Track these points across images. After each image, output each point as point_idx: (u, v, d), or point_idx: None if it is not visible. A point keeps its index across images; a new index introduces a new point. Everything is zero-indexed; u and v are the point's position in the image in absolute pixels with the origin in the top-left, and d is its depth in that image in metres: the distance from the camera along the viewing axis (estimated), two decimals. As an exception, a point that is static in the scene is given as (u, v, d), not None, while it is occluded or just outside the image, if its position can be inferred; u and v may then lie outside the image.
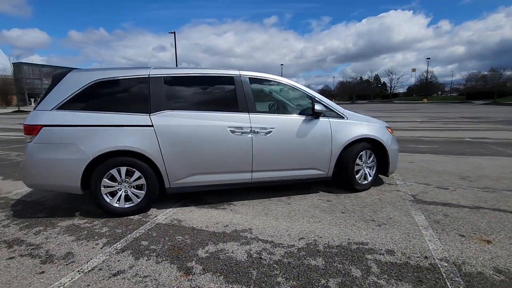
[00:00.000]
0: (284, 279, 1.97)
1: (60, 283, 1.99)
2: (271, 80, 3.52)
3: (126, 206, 3.06)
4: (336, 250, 2.32)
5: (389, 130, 3.89)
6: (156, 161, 3.01)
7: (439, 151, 6.40)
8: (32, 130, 2.84)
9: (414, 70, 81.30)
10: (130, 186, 3.05)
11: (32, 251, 2.43)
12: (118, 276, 2.05)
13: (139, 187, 3.08)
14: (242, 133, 3.19)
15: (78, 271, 2.13)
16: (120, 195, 3.04)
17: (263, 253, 2.30)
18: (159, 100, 3.08)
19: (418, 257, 2.19)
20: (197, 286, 1.93)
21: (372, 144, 3.69)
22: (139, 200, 3.08)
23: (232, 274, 2.04)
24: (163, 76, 3.14)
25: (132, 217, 3.06)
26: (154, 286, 1.94)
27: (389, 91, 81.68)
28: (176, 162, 3.07)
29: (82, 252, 2.40)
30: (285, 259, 2.21)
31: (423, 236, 2.51)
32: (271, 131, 3.28)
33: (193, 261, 2.21)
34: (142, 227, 2.81)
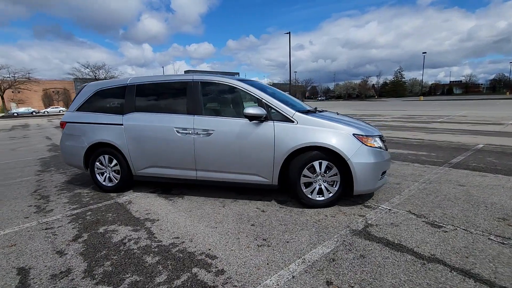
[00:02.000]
0: (110, 263, 2.26)
1: (23, 225, 3.06)
2: (222, 83, 3.56)
3: (109, 185, 4.02)
4: (181, 255, 2.33)
5: (363, 139, 3.06)
6: (124, 153, 3.79)
7: (550, 176, 4.13)
8: (62, 125, 4.22)
9: None
10: (112, 170, 3.98)
11: (42, 203, 3.73)
12: (45, 230, 2.92)
13: (118, 172, 3.96)
14: (186, 133, 3.47)
15: (38, 221, 3.16)
16: (105, 176, 4.02)
17: (132, 241, 2.61)
18: (130, 104, 3.82)
19: (235, 286, 1.91)
20: (64, 250, 2.51)
21: (331, 155, 3.07)
22: (116, 181, 3.97)
23: (90, 249, 2.50)
24: (136, 84, 3.86)
25: (111, 194, 3.99)
26: (50, 241, 2.68)
27: None
28: (136, 155, 3.74)
29: (57, 210, 3.47)
30: (135, 250, 2.45)
31: (284, 269, 2.07)
32: (211, 133, 3.38)
33: (88, 233, 2.81)
34: (104, 202, 3.67)
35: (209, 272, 2.09)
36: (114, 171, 3.96)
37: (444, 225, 2.68)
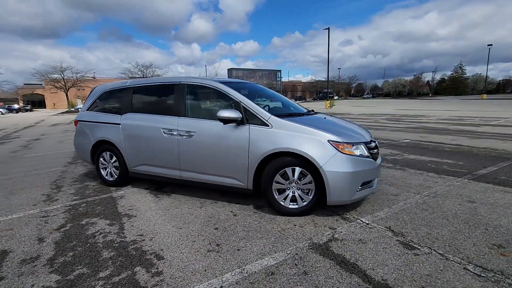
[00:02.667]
0: (72, 254, 2.46)
1: (28, 212, 3.48)
2: (205, 86, 3.59)
3: (110, 179, 4.35)
4: (134, 253, 2.43)
5: (339, 146, 2.84)
6: (121, 150, 4.07)
7: None
8: (76, 123, 4.67)
9: None
10: (112, 166, 4.30)
11: (53, 193, 4.18)
12: (41, 218, 3.29)
13: (117, 168, 4.26)
14: (171, 134, 3.60)
15: (41, 209, 3.57)
16: (107, 171, 4.36)
17: (101, 235, 2.80)
18: (127, 104, 4.08)
19: (161, 289, 1.94)
20: (45, 237, 2.80)
21: (305, 162, 2.91)
22: (116, 177, 4.28)
23: (65, 239, 2.75)
24: (133, 86, 4.10)
25: (111, 188, 4.31)
26: (39, 229, 3.01)
27: None
28: (130, 153, 3.98)
29: (61, 200, 3.87)
30: (99, 244, 2.63)
31: (217, 277, 2.04)
32: (193, 135, 3.45)
33: (72, 224, 3.09)
34: (101, 195, 3.98)
35: (148, 272, 2.16)
36: (114, 166, 4.28)
37: (419, 247, 2.37)
